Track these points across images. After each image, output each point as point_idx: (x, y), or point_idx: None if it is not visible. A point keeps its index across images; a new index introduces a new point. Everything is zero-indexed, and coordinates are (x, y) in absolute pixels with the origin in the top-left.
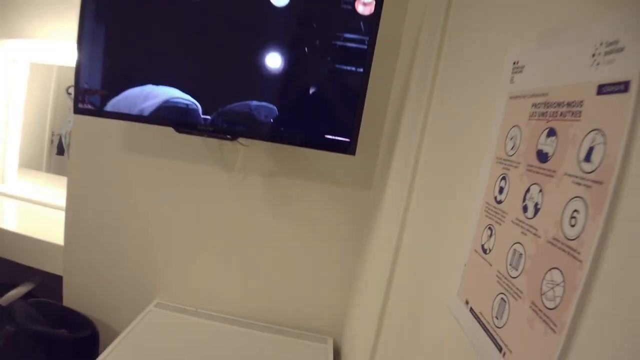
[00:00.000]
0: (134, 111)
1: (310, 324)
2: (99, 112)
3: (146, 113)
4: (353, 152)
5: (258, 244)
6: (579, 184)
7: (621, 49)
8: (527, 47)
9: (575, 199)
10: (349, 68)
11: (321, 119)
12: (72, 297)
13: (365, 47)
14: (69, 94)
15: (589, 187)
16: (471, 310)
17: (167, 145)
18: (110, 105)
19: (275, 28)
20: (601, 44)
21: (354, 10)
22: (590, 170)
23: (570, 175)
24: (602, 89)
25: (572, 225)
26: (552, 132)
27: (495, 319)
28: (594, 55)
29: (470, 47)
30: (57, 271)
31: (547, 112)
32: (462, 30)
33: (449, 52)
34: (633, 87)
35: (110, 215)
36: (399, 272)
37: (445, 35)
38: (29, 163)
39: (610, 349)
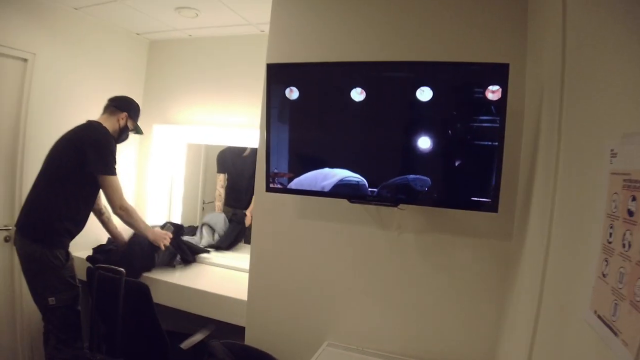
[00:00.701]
0: (316, 188)
1: None
2: (285, 189)
3: (327, 189)
4: (496, 210)
5: (412, 290)
6: None
7: None
8: (617, 141)
9: None
10: (486, 143)
11: (467, 185)
12: (253, 340)
13: (498, 125)
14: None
15: None
16: (598, 316)
17: (333, 211)
18: (294, 184)
19: (423, 117)
20: None
21: (484, 97)
22: None
23: None
24: None
25: None
26: (634, 198)
27: (612, 317)
28: None
29: (581, 132)
30: (223, 318)
31: (631, 185)
32: (576, 116)
33: (566, 135)
34: None
35: (286, 271)
36: (545, 303)
37: (562, 122)
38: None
39: None
